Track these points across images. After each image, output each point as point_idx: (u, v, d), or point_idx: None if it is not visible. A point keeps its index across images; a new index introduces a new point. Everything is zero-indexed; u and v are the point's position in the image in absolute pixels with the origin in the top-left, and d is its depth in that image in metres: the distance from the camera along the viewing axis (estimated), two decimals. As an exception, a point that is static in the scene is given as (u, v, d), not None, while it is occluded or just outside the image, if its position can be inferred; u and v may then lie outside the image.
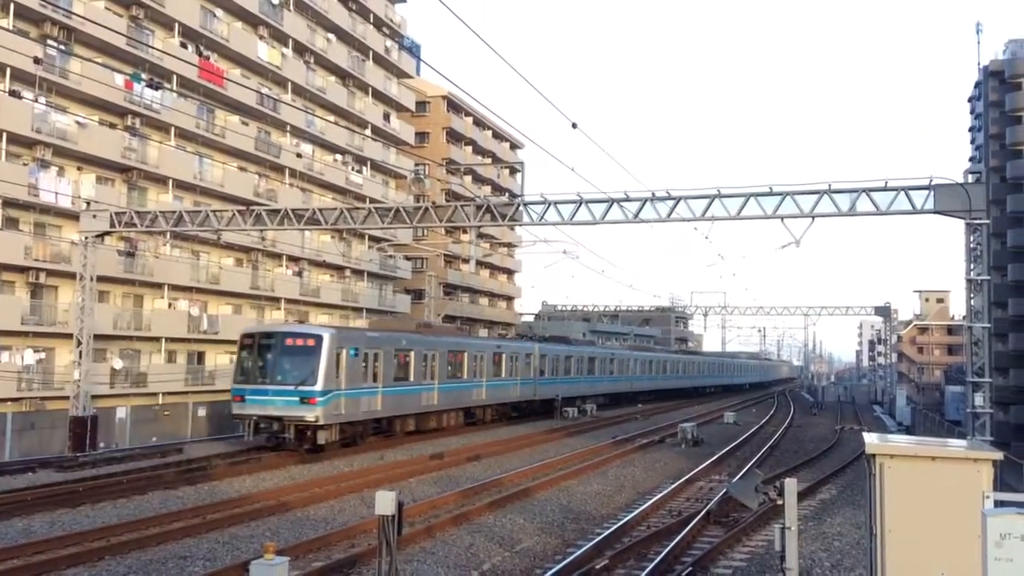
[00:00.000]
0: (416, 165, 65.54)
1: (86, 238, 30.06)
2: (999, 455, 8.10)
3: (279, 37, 51.94)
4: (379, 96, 62.64)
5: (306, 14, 54.35)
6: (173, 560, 14.46)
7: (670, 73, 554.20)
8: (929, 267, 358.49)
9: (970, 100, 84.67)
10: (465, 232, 63.83)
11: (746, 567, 14.69)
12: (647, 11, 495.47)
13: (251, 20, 49.88)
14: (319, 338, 27.29)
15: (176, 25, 44.17)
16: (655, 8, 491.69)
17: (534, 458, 28.35)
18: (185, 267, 44.81)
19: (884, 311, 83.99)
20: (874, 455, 8.16)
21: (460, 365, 36.52)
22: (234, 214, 29.14)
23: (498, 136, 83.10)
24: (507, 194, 77.99)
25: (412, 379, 32.35)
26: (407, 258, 66.02)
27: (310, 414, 26.45)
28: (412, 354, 32.43)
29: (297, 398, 26.48)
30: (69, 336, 32.60)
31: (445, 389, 34.81)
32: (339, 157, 58.05)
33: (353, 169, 59.18)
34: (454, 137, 74.79)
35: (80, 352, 29.45)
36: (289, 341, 27.53)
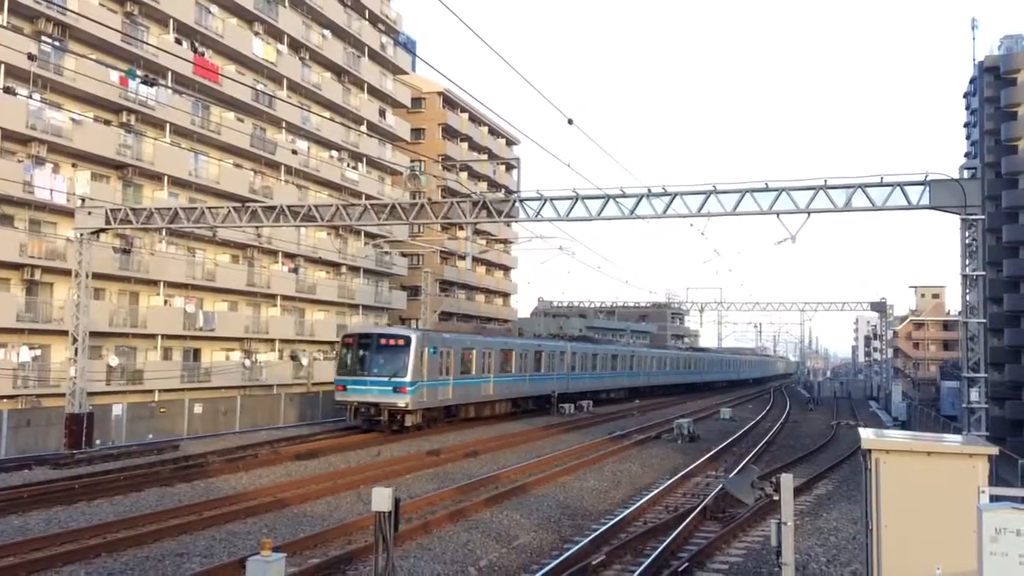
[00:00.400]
0: (412, 161, 65.49)
1: (81, 235, 29.98)
2: (994, 450, 8.13)
3: (274, 33, 51.84)
4: (375, 92, 62.55)
5: (301, 10, 54.25)
6: (170, 557, 14.46)
7: (666, 69, 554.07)
8: (924, 263, 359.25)
9: (965, 96, 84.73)
10: (461, 228, 63.88)
11: (742, 562, 14.72)
12: (644, 7, 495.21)
13: (246, 16, 49.77)
14: (408, 339, 32.69)
15: (171, 21, 44.05)
16: (652, 4, 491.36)
17: (531, 454, 28.38)
18: (181, 264, 44.73)
19: (880, 307, 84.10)
20: (870, 450, 8.18)
21: (509, 362, 41.66)
22: (230, 211, 29.08)
23: (494, 132, 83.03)
24: (503, 190, 77.95)
25: (474, 373, 37.80)
26: (403, 254, 65.99)
27: (401, 401, 31.77)
28: (474, 352, 37.74)
29: (391, 387, 31.73)
30: (65, 333, 32.54)
31: (498, 382, 40.21)
32: (335, 153, 57.97)
33: (349, 166, 59.11)
34: (450, 133, 74.71)
35: (76, 349, 29.40)
36: (384, 341, 33.08)
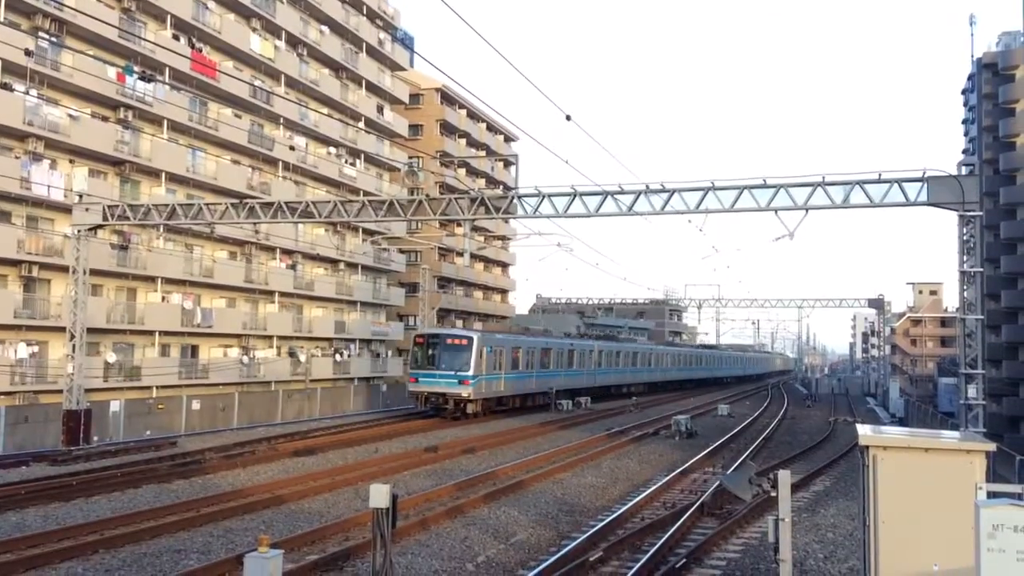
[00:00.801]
0: (410, 158, 65.45)
1: (79, 231, 29.95)
2: (992, 446, 8.12)
3: (272, 29, 51.76)
4: (372, 88, 62.48)
5: (299, 6, 54.16)
6: (167, 553, 14.45)
7: (664, 65, 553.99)
8: (922, 259, 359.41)
9: (964, 92, 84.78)
10: (459, 225, 63.83)
11: (740, 559, 14.73)
12: (642, 3, 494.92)
13: (244, 12, 49.68)
14: (471, 339, 37.99)
15: (168, 17, 43.97)
16: (651, 0, 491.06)
17: (528, 451, 28.39)
18: (178, 260, 44.69)
19: (877, 303, 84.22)
20: (867, 447, 8.17)
21: (548, 359, 46.93)
22: (227, 207, 29.05)
23: (492, 129, 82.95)
24: (501, 187, 77.93)
25: (521, 369, 43.09)
26: (401, 251, 65.96)
27: (464, 392, 37.16)
28: (521, 351, 43.26)
29: (456, 380, 37.12)
30: (62, 330, 32.51)
31: (539, 376, 45.62)
32: (332, 150, 57.91)
33: (347, 162, 59.05)
34: (448, 130, 74.63)
35: (73, 346, 29.39)
36: (450, 340, 38.25)
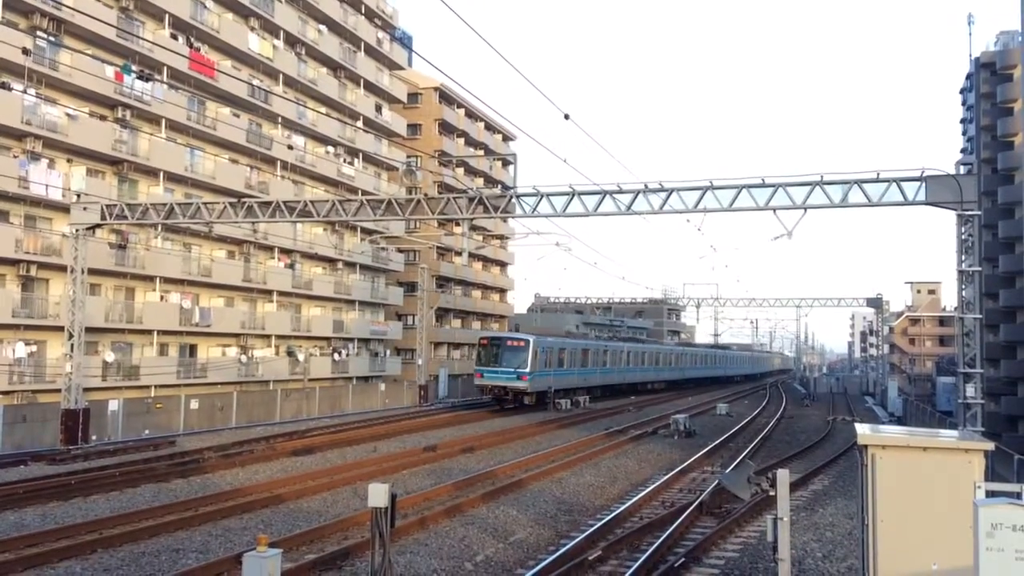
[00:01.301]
0: (408, 157, 65.42)
1: (77, 231, 29.93)
2: (990, 445, 8.12)
3: (270, 28, 51.73)
4: (371, 88, 62.46)
5: (297, 5, 54.12)
6: (166, 553, 14.44)
7: (663, 64, 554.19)
8: (921, 258, 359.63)
9: (962, 92, 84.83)
10: (458, 224, 63.84)
11: (738, 558, 14.73)
12: (641, 2, 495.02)
13: (242, 11, 49.65)
14: (527, 341, 43.86)
15: (166, 16, 43.94)
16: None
17: (527, 450, 28.39)
18: (176, 260, 44.67)
19: (876, 302, 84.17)
20: (866, 446, 8.18)
21: (586, 359, 52.69)
22: (225, 206, 29.04)
23: (490, 128, 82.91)
24: (499, 186, 77.91)
25: (565, 367, 48.82)
26: (399, 250, 65.94)
27: (522, 385, 43.05)
28: (565, 351, 48.97)
29: (516, 375, 42.93)
30: (60, 329, 32.49)
31: (579, 373, 51.54)
32: (331, 149, 57.89)
33: (345, 161, 59.02)
34: (446, 129, 74.59)
35: (72, 345, 29.37)
36: (510, 343, 44.21)
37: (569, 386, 49.79)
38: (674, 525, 16.26)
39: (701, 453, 27.62)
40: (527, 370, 42.99)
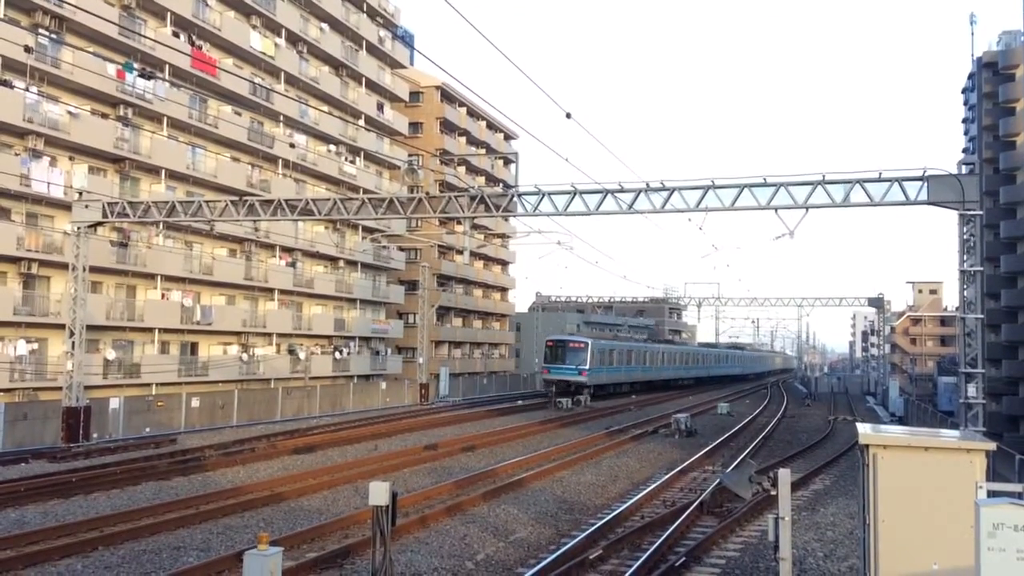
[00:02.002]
0: (410, 155, 65.38)
1: (78, 228, 29.93)
2: (992, 445, 8.12)
3: (272, 27, 51.73)
4: (372, 86, 62.46)
5: (299, 3, 54.13)
6: (167, 550, 14.45)
7: (665, 63, 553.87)
8: (922, 258, 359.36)
9: (964, 91, 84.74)
10: (459, 223, 63.77)
11: (740, 557, 14.72)
12: (643, 1, 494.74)
13: (244, 9, 49.66)
14: (586, 343, 50.82)
15: (168, 14, 43.95)
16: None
17: (528, 449, 28.39)
18: (178, 258, 44.69)
19: (877, 302, 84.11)
20: (867, 445, 8.17)
21: (631, 358, 60.76)
22: (227, 204, 29.04)
23: (492, 127, 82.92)
24: (501, 185, 77.88)
25: (615, 364, 57.07)
26: (401, 249, 65.95)
27: (582, 379, 49.65)
28: (615, 352, 57.13)
29: (576, 371, 49.65)
30: (62, 327, 32.51)
31: (625, 371, 59.62)
32: (332, 147, 57.91)
33: (346, 159, 59.04)
34: (448, 127, 74.60)
35: (73, 343, 29.38)
36: (572, 344, 50.95)
37: (617, 381, 58.63)
38: (675, 524, 16.25)
39: (702, 452, 27.60)
40: (586, 367, 50.38)
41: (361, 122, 60.07)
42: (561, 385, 49.86)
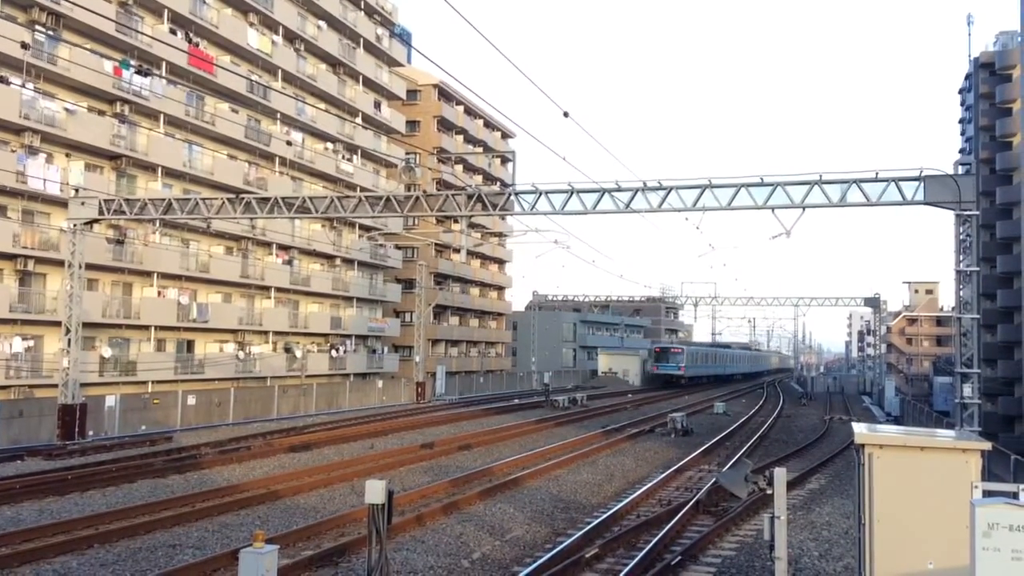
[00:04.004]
0: (407, 154, 65.27)
1: (75, 225, 29.89)
2: (987, 445, 8.13)
3: (269, 24, 51.66)
4: (370, 84, 62.41)
5: (297, 1, 54.05)
6: (162, 548, 14.43)
7: (663, 63, 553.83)
8: (919, 258, 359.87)
9: (961, 92, 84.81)
10: (456, 221, 63.71)
11: (735, 556, 14.73)
12: (641, 0, 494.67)
13: (241, 7, 49.58)
14: (683, 348, 78.54)
15: (165, 11, 43.87)
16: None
17: (524, 447, 28.40)
18: (174, 255, 44.63)
19: (873, 302, 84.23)
20: (863, 445, 8.19)
21: (709, 359, 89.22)
22: (224, 202, 29.00)
23: (489, 125, 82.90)
24: (498, 183, 77.80)
25: (701, 363, 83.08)
26: (398, 247, 65.91)
27: (680, 373, 75.67)
28: (701, 354, 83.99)
29: (677, 368, 75.67)
30: (58, 324, 32.45)
31: (707, 368, 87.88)
32: (330, 145, 57.86)
33: (344, 157, 58.99)
34: (445, 126, 74.56)
35: (69, 340, 29.33)
36: (673, 350, 78.70)
37: (704, 374, 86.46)
38: (671, 523, 16.27)
39: (698, 452, 27.63)
40: (684, 364, 76.87)
41: (358, 120, 60.01)
42: (666, 377, 76.67)
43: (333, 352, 56.61)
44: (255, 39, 49.83)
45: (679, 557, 14.12)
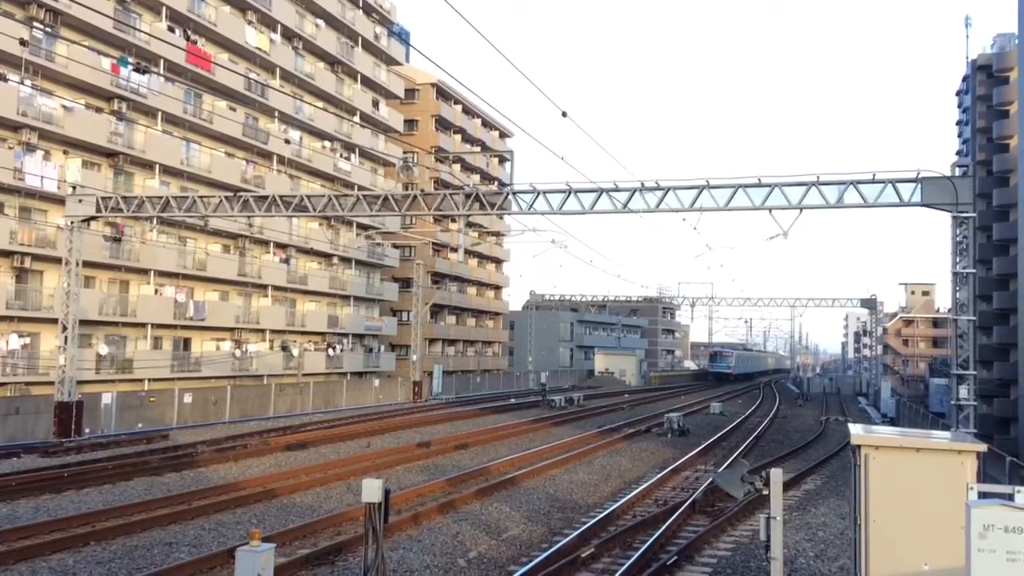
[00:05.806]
0: (405, 153, 65.32)
1: (72, 223, 29.85)
2: (983, 447, 8.16)
3: (267, 22, 51.61)
4: (368, 83, 62.37)
5: (295, -1, 54.02)
6: (159, 546, 14.43)
7: (662, 63, 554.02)
8: (915, 260, 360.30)
9: (958, 94, 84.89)
10: (453, 221, 63.74)
11: (731, 556, 14.76)
12: (640, 1, 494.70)
13: (239, 5, 49.53)
14: (732, 352, 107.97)
15: (164, 9, 43.82)
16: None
17: (521, 447, 28.42)
18: (171, 253, 44.58)
19: (870, 303, 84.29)
20: (859, 446, 8.21)
21: (751, 360, 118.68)
22: (221, 200, 28.98)
23: (487, 125, 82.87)
24: (496, 183, 77.83)
25: (746, 363, 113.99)
26: (395, 246, 65.87)
27: (730, 371, 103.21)
28: (746, 356, 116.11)
29: (727, 367, 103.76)
30: (54, 321, 32.42)
31: (750, 367, 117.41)
32: (327, 144, 57.81)
33: (341, 156, 58.96)
34: (443, 125, 74.53)
35: (65, 337, 29.29)
36: (724, 353, 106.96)
37: (749, 371, 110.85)
38: (667, 523, 16.30)
39: (694, 452, 27.67)
40: (732, 364, 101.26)
41: (356, 119, 59.98)
42: (718, 374, 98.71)
43: (330, 351, 56.59)
44: (253, 37, 49.79)
45: (675, 557, 14.14)
